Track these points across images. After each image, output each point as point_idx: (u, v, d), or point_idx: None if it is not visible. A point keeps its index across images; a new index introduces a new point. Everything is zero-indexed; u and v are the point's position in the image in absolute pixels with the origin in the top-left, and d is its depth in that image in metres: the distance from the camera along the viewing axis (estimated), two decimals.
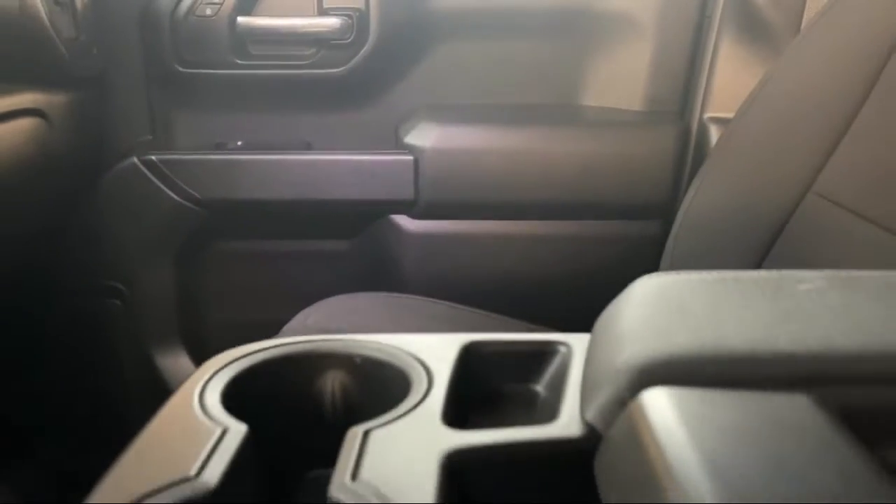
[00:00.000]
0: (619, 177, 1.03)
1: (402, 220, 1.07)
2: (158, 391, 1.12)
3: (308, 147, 1.08)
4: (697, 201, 0.91)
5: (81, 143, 0.99)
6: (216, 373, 0.36)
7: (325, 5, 1.02)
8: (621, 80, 1.06)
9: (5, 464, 1.15)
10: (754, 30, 1.00)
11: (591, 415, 0.30)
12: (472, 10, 1.05)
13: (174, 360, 1.12)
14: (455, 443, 0.31)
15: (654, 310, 0.33)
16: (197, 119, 1.07)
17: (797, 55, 0.87)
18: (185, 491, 0.28)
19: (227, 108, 1.07)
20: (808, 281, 0.35)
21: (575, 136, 1.04)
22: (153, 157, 1.03)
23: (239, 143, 1.07)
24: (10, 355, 1.07)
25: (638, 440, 0.26)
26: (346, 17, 1.02)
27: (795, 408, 0.27)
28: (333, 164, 1.05)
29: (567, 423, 0.32)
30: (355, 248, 1.14)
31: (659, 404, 0.27)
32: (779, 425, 0.26)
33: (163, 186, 1.04)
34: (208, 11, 1.01)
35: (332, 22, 1.02)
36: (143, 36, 1.02)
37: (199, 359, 1.09)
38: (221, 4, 1.01)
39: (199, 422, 0.32)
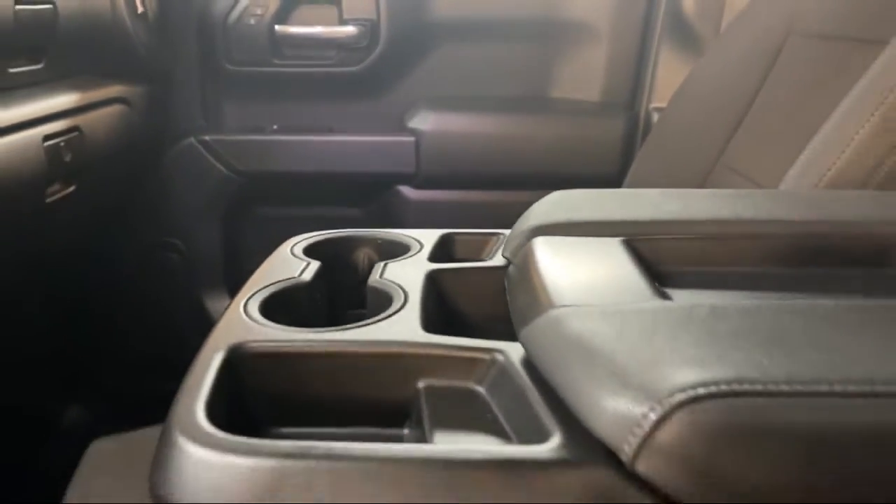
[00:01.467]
0: (579, 155, 1.29)
1: (406, 190, 1.32)
2: (206, 328, 1.38)
3: (329, 130, 1.33)
4: (636, 173, 1.16)
5: (153, 125, 1.24)
6: (298, 242, 0.62)
7: (345, 16, 1.28)
8: (582, 76, 1.32)
9: (77, 391, 1.41)
10: (687, 35, 1.26)
11: (507, 252, 0.55)
12: (462, 21, 1.31)
13: (220, 303, 1.37)
14: (433, 267, 0.56)
15: (550, 206, 0.58)
16: (241, 107, 1.33)
17: (713, 53, 1.12)
18: (295, 282, 0.53)
19: (265, 98, 1.33)
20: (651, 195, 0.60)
21: (545, 122, 1.29)
22: (206, 138, 1.29)
23: (274, 126, 1.33)
24: (89, 297, 1.32)
25: (526, 261, 0.52)
26: (361, 26, 1.27)
27: (611, 245, 0.53)
28: (350, 144, 1.30)
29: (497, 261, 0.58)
30: (367, 213, 1.39)
31: (540, 245, 0.53)
32: (600, 254, 0.51)
33: (213, 161, 1.30)
34: (252, 21, 1.26)
35: (349, 30, 1.27)
36: (200, 41, 1.28)
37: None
38: (262, 15, 1.26)
39: (294, 259, 0.58)
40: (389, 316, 0.47)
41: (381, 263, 0.57)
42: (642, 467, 0.31)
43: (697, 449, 0.31)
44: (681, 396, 0.31)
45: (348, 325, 0.46)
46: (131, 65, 1.16)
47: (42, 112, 0.93)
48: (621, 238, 0.53)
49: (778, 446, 0.30)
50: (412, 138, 1.29)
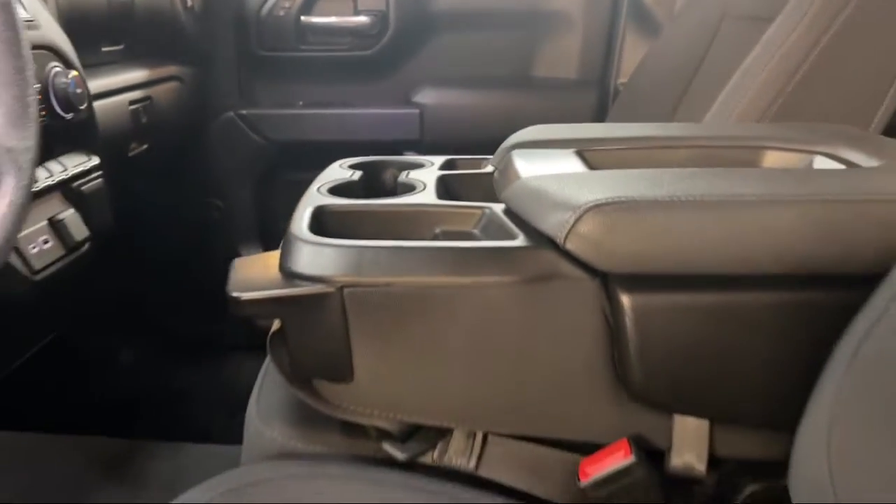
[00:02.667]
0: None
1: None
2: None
3: (346, 105, 1.57)
4: None
5: (199, 100, 1.48)
6: (343, 162, 0.86)
7: (359, 8, 1.51)
8: (560, 58, 1.56)
9: (135, 333, 1.63)
10: (646, 21, 1.50)
11: (494, 162, 0.79)
12: (458, 12, 1.54)
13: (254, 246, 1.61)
14: (442, 172, 0.80)
15: (524, 132, 0.82)
16: (272, 86, 1.56)
17: (666, 35, 1.35)
18: (348, 180, 0.77)
19: (291, 78, 1.56)
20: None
21: (528, 96, 1.53)
22: (243, 112, 1.52)
23: (300, 102, 1.56)
24: (148, 246, 1.55)
25: (506, 164, 0.75)
26: (373, 16, 1.51)
27: (566, 153, 0.76)
28: (364, 116, 1.54)
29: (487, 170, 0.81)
30: None
31: (516, 154, 0.76)
32: (557, 157, 0.75)
33: (249, 132, 1.53)
34: (281, 13, 1.50)
35: (363, 19, 1.51)
36: (236, 30, 1.51)
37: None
38: (290, 7, 1.50)
39: (342, 170, 0.82)
40: (416, 194, 0.71)
41: (405, 172, 0.81)
42: (570, 246, 0.55)
43: (597, 233, 0.55)
44: (589, 205, 0.55)
45: (389, 197, 0.70)
46: (182, 49, 1.40)
47: (125, 83, 1.16)
48: (574, 150, 0.77)
49: (641, 228, 0.54)
50: (417, 110, 1.53)
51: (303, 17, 1.50)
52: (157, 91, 1.27)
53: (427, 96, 1.53)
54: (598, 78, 1.56)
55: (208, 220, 1.58)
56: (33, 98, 0.50)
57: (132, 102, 1.15)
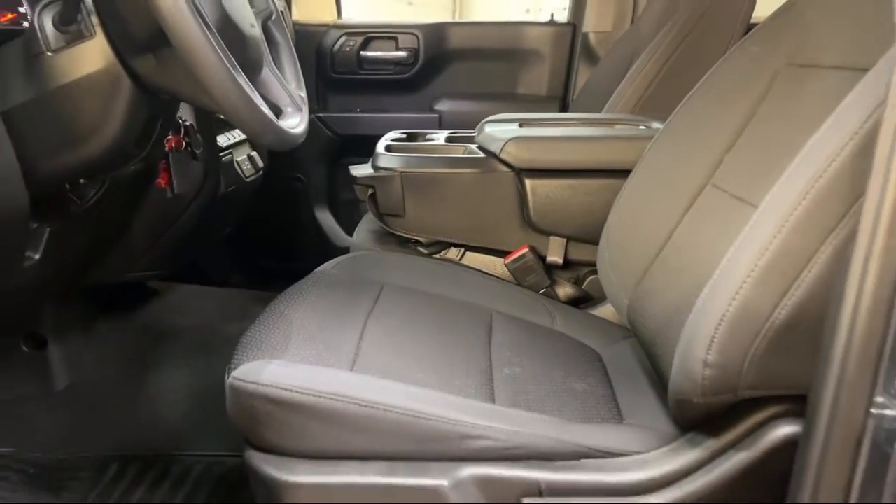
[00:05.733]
0: None
1: None
2: (317, 233, 2.34)
3: (388, 111, 2.30)
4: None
5: None
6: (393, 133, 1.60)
7: (399, 46, 2.26)
8: (534, 80, 2.29)
9: (240, 266, 2.35)
10: (591, 55, 2.23)
11: (476, 128, 1.52)
12: (463, 50, 2.28)
13: (326, 216, 2.34)
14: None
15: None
16: (339, 97, 2.31)
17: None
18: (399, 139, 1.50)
19: (352, 92, 2.30)
20: None
21: (510, 106, 2.25)
22: (321, 114, 2.27)
23: (358, 109, 2.30)
24: (255, 207, 2.29)
25: (482, 127, 1.48)
26: (409, 52, 2.25)
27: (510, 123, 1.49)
28: (400, 119, 2.27)
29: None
30: None
31: (486, 123, 1.49)
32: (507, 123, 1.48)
33: (323, 128, 2.27)
34: (347, 48, 2.25)
35: (402, 54, 2.25)
36: (318, 58, 2.26)
37: (340, 218, 2.31)
38: (353, 46, 2.24)
39: (396, 133, 1.55)
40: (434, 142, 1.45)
41: (428, 136, 1.54)
42: (503, 156, 1.29)
43: (513, 150, 1.28)
44: (510, 136, 1.28)
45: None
46: None
47: None
48: (517, 123, 1.49)
49: (533, 147, 1.28)
50: (436, 115, 2.26)
51: (362, 52, 2.25)
52: None
53: (443, 105, 2.27)
54: (560, 94, 2.29)
55: (294, 189, 2.32)
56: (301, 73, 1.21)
57: None
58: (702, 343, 0.75)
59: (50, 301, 1.31)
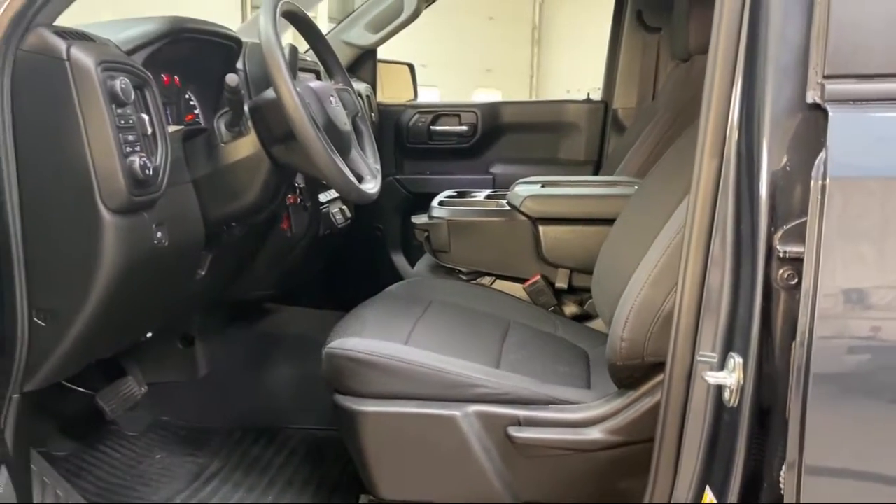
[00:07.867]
0: None
1: None
2: (393, 270, 2.84)
3: (452, 173, 2.81)
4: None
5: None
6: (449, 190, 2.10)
7: (462, 122, 2.78)
8: (572, 147, 2.75)
9: (324, 296, 2.88)
10: (619, 125, 2.68)
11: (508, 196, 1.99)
12: (514, 123, 2.78)
13: (400, 259, 2.84)
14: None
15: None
16: (413, 162, 2.84)
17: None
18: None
19: (424, 158, 2.83)
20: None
21: (551, 170, 2.72)
22: (398, 176, 2.80)
23: (428, 171, 2.83)
24: (341, 250, 2.82)
25: (514, 186, 1.95)
26: (469, 126, 2.77)
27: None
28: (462, 180, 2.76)
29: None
30: None
31: (517, 183, 1.97)
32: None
33: (399, 187, 2.80)
34: (420, 124, 2.79)
35: (464, 128, 2.77)
36: (396, 132, 2.80)
37: (409, 258, 2.82)
38: (425, 122, 2.78)
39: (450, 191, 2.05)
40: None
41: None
42: (521, 208, 1.76)
43: (529, 204, 1.76)
44: (526, 195, 1.76)
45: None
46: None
47: None
48: (540, 183, 1.97)
49: (545, 203, 1.75)
50: (491, 176, 2.76)
51: (431, 126, 2.79)
52: None
53: (497, 168, 2.77)
54: (594, 159, 2.75)
55: (374, 236, 2.85)
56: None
57: None
58: (620, 324, 1.19)
59: (200, 311, 1.85)
